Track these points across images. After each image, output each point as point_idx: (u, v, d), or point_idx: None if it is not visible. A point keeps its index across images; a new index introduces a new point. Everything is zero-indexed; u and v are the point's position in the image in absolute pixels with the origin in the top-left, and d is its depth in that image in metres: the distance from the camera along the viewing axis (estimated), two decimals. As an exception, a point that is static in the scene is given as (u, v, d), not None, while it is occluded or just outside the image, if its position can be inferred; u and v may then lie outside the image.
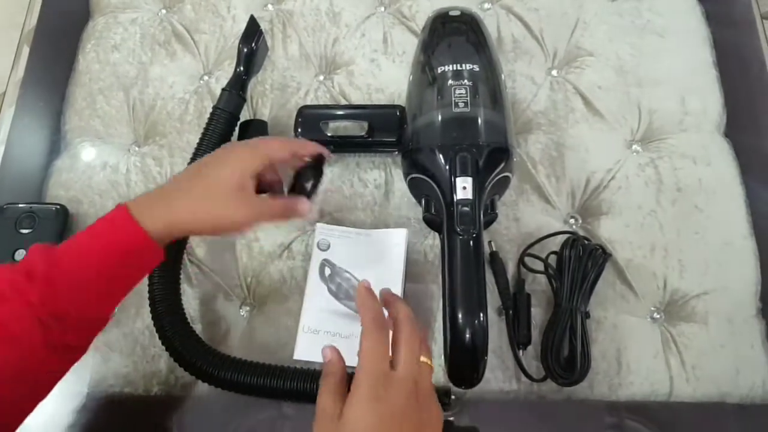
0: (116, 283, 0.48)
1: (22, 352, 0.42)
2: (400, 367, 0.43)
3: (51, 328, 0.43)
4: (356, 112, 0.65)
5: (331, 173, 0.69)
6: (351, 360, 0.57)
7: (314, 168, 0.57)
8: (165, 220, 0.47)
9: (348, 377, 0.45)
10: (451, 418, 0.57)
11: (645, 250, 0.64)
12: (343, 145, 0.65)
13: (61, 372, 0.47)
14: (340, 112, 0.66)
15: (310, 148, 0.56)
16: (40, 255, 0.44)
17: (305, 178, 0.56)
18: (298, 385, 0.55)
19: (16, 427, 0.44)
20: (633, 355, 0.60)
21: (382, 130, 0.63)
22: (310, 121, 0.65)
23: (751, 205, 0.66)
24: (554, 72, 0.73)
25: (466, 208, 0.54)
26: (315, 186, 0.57)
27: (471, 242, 0.54)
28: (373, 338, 0.44)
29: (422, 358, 0.45)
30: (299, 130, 0.65)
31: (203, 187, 0.49)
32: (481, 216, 0.55)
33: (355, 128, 0.64)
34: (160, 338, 0.58)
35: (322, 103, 0.73)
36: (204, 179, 0.50)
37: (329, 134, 0.64)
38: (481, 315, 0.51)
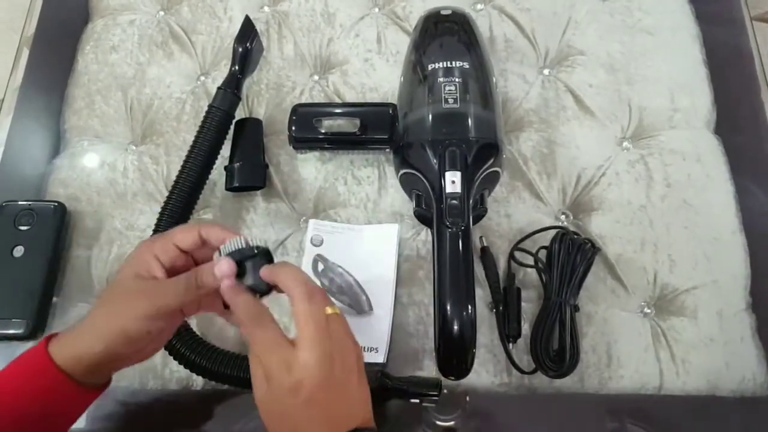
0: (43, 424, 0.44)
1: None
2: (303, 349, 0.41)
3: None
4: (349, 110, 0.66)
5: (325, 171, 0.70)
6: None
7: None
8: (71, 346, 0.44)
9: None
10: (452, 422, 0.58)
11: (635, 245, 0.64)
12: (336, 142, 0.66)
13: None
14: (333, 110, 0.67)
15: (216, 230, 0.47)
16: None
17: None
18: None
19: None
20: (623, 349, 0.60)
21: (375, 128, 0.64)
22: (303, 119, 0.66)
23: (741, 201, 0.66)
24: (546, 71, 0.74)
25: (455, 202, 0.55)
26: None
27: (460, 235, 0.54)
28: (258, 329, 0.43)
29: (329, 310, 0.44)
30: (293, 128, 0.66)
31: (105, 293, 0.46)
32: (470, 210, 0.56)
33: (348, 126, 0.65)
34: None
35: (316, 102, 0.74)
36: (106, 289, 0.47)
37: (323, 131, 0.65)
38: (470, 306, 0.52)
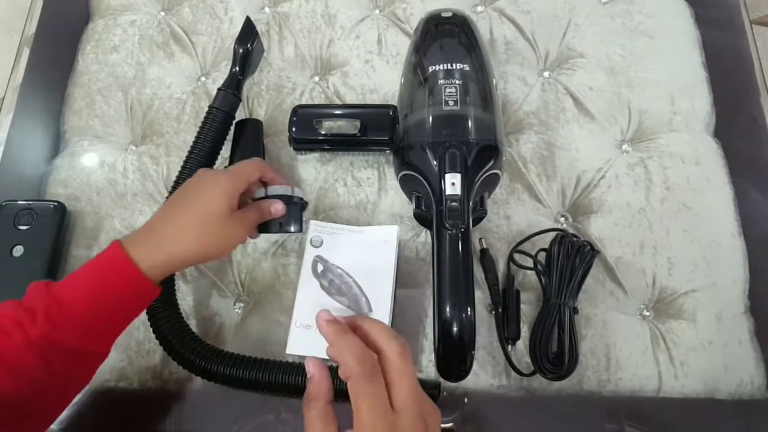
0: (114, 320, 0.49)
1: (24, 385, 0.44)
2: (404, 411, 0.38)
3: (52, 362, 0.44)
4: (349, 111, 0.66)
5: (325, 172, 0.70)
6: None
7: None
8: (160, 258, 0.49)
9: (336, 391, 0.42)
10: (450, 425, 0.58)
11: (634, 247, 0.64)
12: (336, 143, 0.66)
13: (64, 404, 0.48)
14: (333, 112, 0.67)
15: (272, 173, 0.60)
16: (41, 293, 0.45)
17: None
18: (289, 378, 0.56)
19: None
20: (622, 352, 0.60)
21: (375, 129, 0.64)
22: (304, 120, 0.66)
23: (740, 204, 0.66)
24: (546, 73, 0.74)
25: (454, 204, 0.55)
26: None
27: (459, 237, 0.55)
28: (367, 385, 0.39)
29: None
30: (293, 129, 0.66)
31: (189, 216, 0.51)
32: (470, 211, 0.56)
33: (348, 127, 0.65)
34: (154, 333, 0.59)
35: (317, 103, 0.74)
36: (190, 211, 0.51)
37: (323, 133, 0.65)
38: (469, 308, 0.52)
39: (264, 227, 0.60)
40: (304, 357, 0.59)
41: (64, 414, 0.60)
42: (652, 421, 0.58)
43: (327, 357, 0.58)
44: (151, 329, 0.59)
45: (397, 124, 0.64)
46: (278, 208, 0.58)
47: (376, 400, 0.38)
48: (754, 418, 0.59)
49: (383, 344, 0.41)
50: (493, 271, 0.62)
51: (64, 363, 0.45)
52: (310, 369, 0.43)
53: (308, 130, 0.65)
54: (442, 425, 0.58)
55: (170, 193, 0.63)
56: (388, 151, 0.68)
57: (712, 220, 0.66)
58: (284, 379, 0.56)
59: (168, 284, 0.60)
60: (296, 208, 0.61)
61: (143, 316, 0.60)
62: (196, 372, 0.58)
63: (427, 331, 0.62)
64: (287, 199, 0.60)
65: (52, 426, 0.59)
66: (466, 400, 0.59)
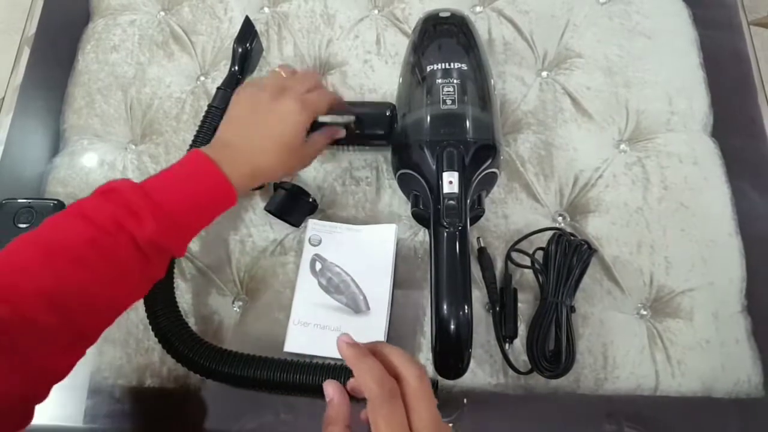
0: (199, 224, 0.53)
1: (120, 282, 0.47)
2: None
3: (152, 261, 0.48)
4: (348, 108, 0.67)
5: (324, 171, 0.70)
6: (336, 351, 0.59)
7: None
8: (246, 170, 0.54)
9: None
10: (451, 424, 0.58)
11: (632, 247, 0.65)
12: (334, 140, 0.67)
13: (140, 297, 0.53)
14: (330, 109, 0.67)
15: (341, 105, 0.64)
16: (138, 194, 0.47)
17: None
18: (287, 376, 0.56)
19: (97, 338, 0.48)
20: (619, 350, 0.61)
21: (372, 126, 0.65)
22: None
23: (737, 203, 0.67)
24: (544, 73, 0.75)
25: (452, 202, 0.55)
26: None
27: (457, 235, 0.55)
28: (387, 407, 0.39)
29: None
30: None
31: (272, 144, 0.56)
32: (467, 210, 0.56)
33: (347, 123, 0.65)
34: (153, 331, 0.59)
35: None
36: (270, 138, 0.56)
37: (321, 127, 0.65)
38: (466, 306, 0.52)
39: (272, 209, 0.65)
40: (301, 354, 0.59)
41: (63, 412, 0.61)
42: (649, 419, 0.58)
43: (324, 354, 0.59)
44: (150, 327, 0.59)
45: (395, 120, 0.65)
46: (341, 133, 0.64)
47: (395, 421, 0.39)
48: (751, 417, 0.59)
49: (402, 368, 0.41)
50: (490, 270, 0.62)
51: (158, 262, 0.49)
52: (330, 392, 0.44)
53: None
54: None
55: None
56: (386, 146, 0.68)
57: (710, 220, 0.66)
58: (283, 376, 0.56)
59: (167, 282, 0.61)
60: (307, 205, 0.66)
61: (142, 314, 0.60)
62: (195, 370, 0.58)
63: (425, 329, 0.62)
64: (305, 195, 0.65)
65: (50, 424, 0.60)
66: (465, 401, 0.59)
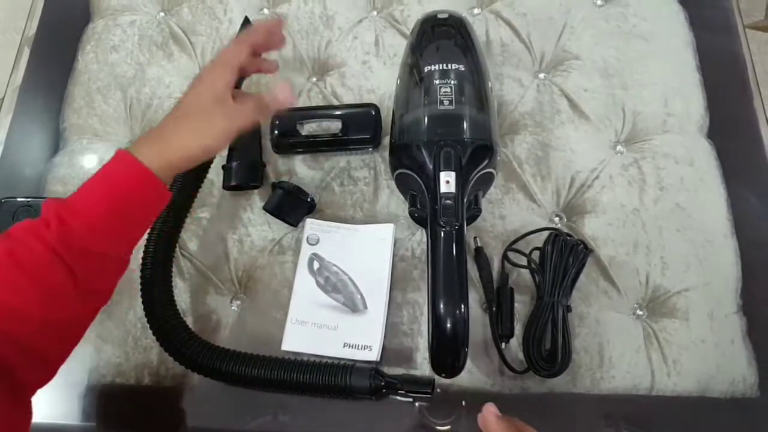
0: (127, 221, 0.49)
1: (49, 297, 0.45)
2: None
3: (75, 270, 0.45)
4: (330, 112, 0.67)
5: (322, 171, 0.70)
6: (334, 349, 0.59)
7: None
8: (158, 153, 0.49)
9: None
10: (447, 427, 0.59)
11: (628, 247, 0.65)
12: (319, 144, 0.67)
13: (87, 318, 0.49)
14: (315, 113, 0.68)
15: (261, 33, 0.57)
16: (53, 203, 0.46)
17: None
18: (285, 374, 0.56)
19: (54, 373, 0.47)
20: (615, 350, 0.61)
21: (357, 129, 0.66)
22: (286, 122, 0.67)
23: (733, 204, 0.67)
24: (541, 75, 0.75)
25: (449, 201, 0.56)
26: None
27: (454, 234, 0.55)
28: None
29: None
30: (275, 132, 0.68)
31: (183, 111, 0.52)
32: (464, 210, 0.57)
33: (330, 128, 0.66)
34: (151, 329, 0.59)
35: (314, 104, 0.74)
36: (183, 105, 0.52)
37: (304, 134, 0.66)
38: (462, 305, 0.52)
39: (271, 208, 0.64)
40: (299, 353, 0.59)
41: (61, 410, 0.61)
42: (645, 419, 0.58)
43: (321, 353, 0.59)
44: (148, 325, 0.59)
45: (380, 122, 0.66)
46: (285, 93, 0.55)
47: None
48: (746, 417, 0.59)
49: None
50: (487, 270, 0.63)
51: (86, 269, 0.46)
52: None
53: (290, 132, 0.66)
54: (440, 429, 0.59)
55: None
56: (370, 150, 0.70)
57: (706, 221, 0.66)
58: (280, 375, 0.56)
59: (165, 281, 0.61)
60: (305, 204, 0.65)
61: (140, 312, 0.60)
62: (192, 368, 0.58)
63: (422, 328, 0.62)
64: (303, 195, 0.65)
65: (48, 422, 0.60)
66: (463, 403, 0.59)
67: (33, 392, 0.46)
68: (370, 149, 0.69)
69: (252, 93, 0.57)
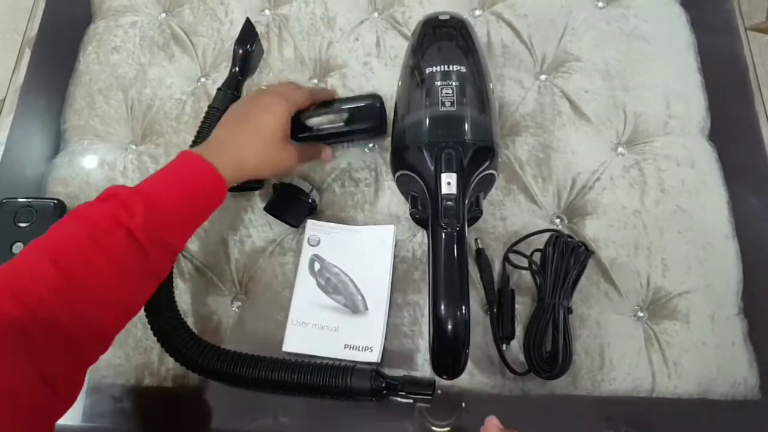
0: (198, 221, 0.56)
1: (124, 277, 0.48)
2: None
3: (149, 254, 0.49)
4: (336, 105, 0.67)
5: (323, 172, 0.70)
6: (335, 350, 0.59)
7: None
8: (233, 164, 0.55)
9: None
10: (447, 428, 0.59)
11: (629, 249, 0.65)
12: (326, 137, 0.67)
13: (147, 297, 0.54)
14: (320, 106, 0.67)
15: (327, 94, 0.67)
16: (129, 193, 0.50)
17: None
18: (285, 375, 0.56)
19: (109, 346, 0.50)
20: (616, 352, 0.61)
21: (362, 120, 0.66)
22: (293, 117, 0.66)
23: (734, 206, 0.67)
24: (542, 76, 0.75)
25: (450, 203, 0.56)
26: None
27: (455, 236, 0.55)
28: None
29: None
30: None
31: (259, 135, 0.58)
32: (465, 211, 0.57)
33: (336, 120, 0.66)
34: (152, 330, 0.59)
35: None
36: (251, 131, 0.58)
37: (309, 126, 0.65)
38: (463, 305, 0.52)
39: (272, 209, 0.66)
40: (300, 354, 0.59)
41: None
42: (646, 421, 0.58)
43: (322, 354, 0.59)
44: (149, 326, 0.59)
45: (385, 112, 0.67)
46: (328, 153, 0.68)
47: None
48: (747, 419, 0.59)
49: None
50: (488, 271, 0.63)
51: (158, 255, 0.50)
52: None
53: (296, 125, 0.65)
54: (439, 430, 0.59)
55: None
56: (371, 145, 0.70)
57: (707, 222, 0.66)
58: (281, 376, 0.56)
59: (166, 282, 0.61)
60: (306, 205, 0.66)
61: (141, 313, 0.60)
62: (193, 369, 0.58)
63: (423, 330, 0.62)
64: (304, 196, 0.66)
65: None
66: (464, 404, 0.59)
67: (90, 365, 0.48)
68: (371, 144, 0.70)
69: (312, 145, 0.67)
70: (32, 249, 0.47)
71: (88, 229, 0.47)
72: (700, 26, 0.77)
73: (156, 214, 0.50)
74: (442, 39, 0.67)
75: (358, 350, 0.59)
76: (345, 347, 0.59)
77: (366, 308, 0.61)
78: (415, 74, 0.65)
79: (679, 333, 0.62)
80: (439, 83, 0.62)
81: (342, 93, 0.75)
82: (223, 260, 0.67)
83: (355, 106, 0.67)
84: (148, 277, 0.52)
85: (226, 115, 0.61)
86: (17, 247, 0.65)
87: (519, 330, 0.61)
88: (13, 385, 0.40)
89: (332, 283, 0.62)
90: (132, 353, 0.64)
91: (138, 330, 0.64)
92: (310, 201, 0.66)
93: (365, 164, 0.70)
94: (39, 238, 0.47)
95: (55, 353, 0.44)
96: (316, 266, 0.63)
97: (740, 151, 0.71)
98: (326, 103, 0.67)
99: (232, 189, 0.68)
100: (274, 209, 0.66)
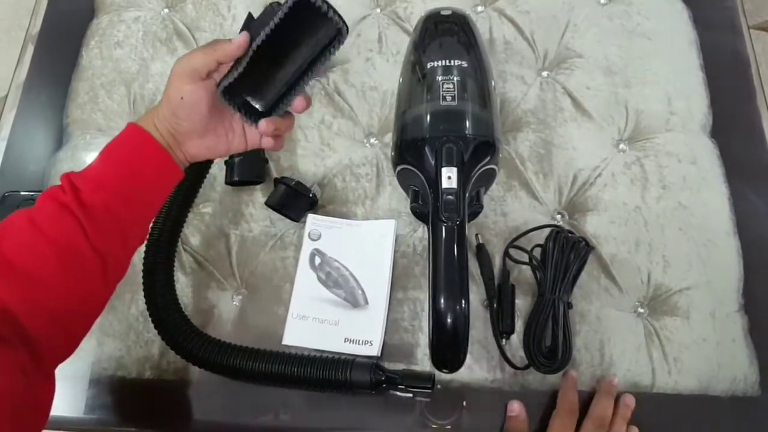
0: (136, 189, 0.51)
1: (62, 254, 0.46)
2: None
3: (82, 222, 0.46)
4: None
5: (324, 167, 0.71)
6: (335, 344, 0.59)
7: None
8: (154, 121, 0.52)
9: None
10: (448, 427, 0.59)
11: (629, 245, 0.65)
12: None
13: (105, 291, 0.50)
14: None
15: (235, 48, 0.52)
16: (68, 174, 0.49)
17: None
18: (285, 368, 0.56)
19: (75, 347, 0.49)
20: (616, 347, 0.61)
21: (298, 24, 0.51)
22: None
23: (735, 203, 0.67)
24: (544, 73, 0.75)
25: (450, 197, 0.56)
26: None
27: (455, 230, 0.55)
28: (562, 419, 0.56)
29: None
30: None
31: (168, 84, 0.52)
32: (466, 205, 0.57)
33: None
34: (153, 323, 0.59)
35: (315, 102, 0.74)
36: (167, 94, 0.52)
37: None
38: (463, 300, 0.52)
39: (273, 204, 0.65)
40: (300, 347, 0.60)
41: (63, 403, 0.61)
42: (645, 416, 0.58)
43: (322, 348, 0.59)
44: (150, 319, 0.59)
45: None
46: (240, 41, 0.51)
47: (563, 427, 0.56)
48: (747, 415, 0.59)
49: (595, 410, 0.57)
50: (488, 266, 0.63)
51: (97, 227, 0.47)
52: (516, 409, 0.57)
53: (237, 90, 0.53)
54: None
55: None
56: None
57: (708, 219, 0.66)
58: (281, 369, 0.56)
59: (168, 276, 0.61)
60: (307, 200, 0.66)
61: (142, 306, 0.60)
62: (194, 362, 0.59)
63: (423, 324, 0.62)
64: (305, 190, 0.65)
65: (51, 413, 0.60)
66: (464, 403, 0.60)
67: (54, 366, 0.47)
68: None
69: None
70: None
71: (30, 213, 0.47)
72: (702, 23, 0.77)
73: (84, 182, 0.48)
74: (444, 34, 0.67)
75: (358, 344, 0.59)
76: (345, 341, 0.59)
77: (366, 302, 0.61)
78: (416, 69, 0.65)
79: (680, 329, 0.61)
80: (440, 78, 0.62)
81: (344, 89, 0.75)
82: (224, 254, 0.67)
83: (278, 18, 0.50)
84: (98, 263, 0.48)
85: None
86: (19, 240, 0.65)
87: (519, 325, 0.61)
88: None
89: (333, 278, 0.62)
90: (133, 346, 0.64)
91: (139, 323, 0.64)
92: (311, 195, 0.66)
93: (366, 159, 0.71)
94: None
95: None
96: (317, 260, 0.63)
97: (741, 149, 0.71)
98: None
99: (233, 183, 0.68)
100: (275, 203, 0.66)
